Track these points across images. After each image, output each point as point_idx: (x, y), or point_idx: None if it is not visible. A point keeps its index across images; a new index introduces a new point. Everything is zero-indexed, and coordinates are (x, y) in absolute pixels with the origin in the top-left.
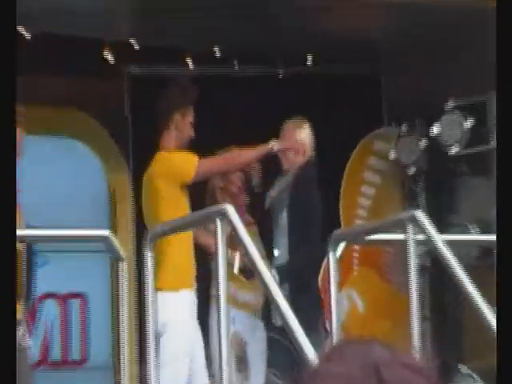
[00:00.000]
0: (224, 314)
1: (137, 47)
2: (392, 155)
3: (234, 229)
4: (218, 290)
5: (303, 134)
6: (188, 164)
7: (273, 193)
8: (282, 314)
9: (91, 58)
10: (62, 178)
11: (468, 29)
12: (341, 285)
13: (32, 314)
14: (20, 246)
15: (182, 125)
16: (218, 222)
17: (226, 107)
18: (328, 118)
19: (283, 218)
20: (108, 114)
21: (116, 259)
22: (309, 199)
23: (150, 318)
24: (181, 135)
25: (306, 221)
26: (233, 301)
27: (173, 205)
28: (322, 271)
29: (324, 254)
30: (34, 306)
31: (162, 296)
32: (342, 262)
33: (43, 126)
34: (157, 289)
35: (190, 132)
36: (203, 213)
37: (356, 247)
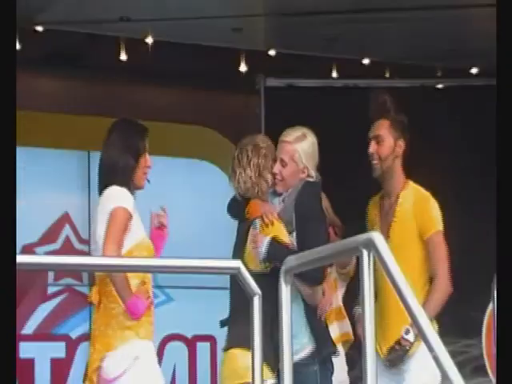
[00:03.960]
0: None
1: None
2: None
3: (381, 261)
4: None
5: (302, 147)
6: None
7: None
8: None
9: (221, 69)
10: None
11: None
12: None
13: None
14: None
15: None
16: (365, 253)
17: None
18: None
19: None
20: (241, 132)
21: (249, 294)
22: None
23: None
24: None
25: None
26: None
27: None
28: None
29: None
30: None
31: None
32: None
33: (167, 146)
34: None
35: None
36: (345, 243)
37: None
